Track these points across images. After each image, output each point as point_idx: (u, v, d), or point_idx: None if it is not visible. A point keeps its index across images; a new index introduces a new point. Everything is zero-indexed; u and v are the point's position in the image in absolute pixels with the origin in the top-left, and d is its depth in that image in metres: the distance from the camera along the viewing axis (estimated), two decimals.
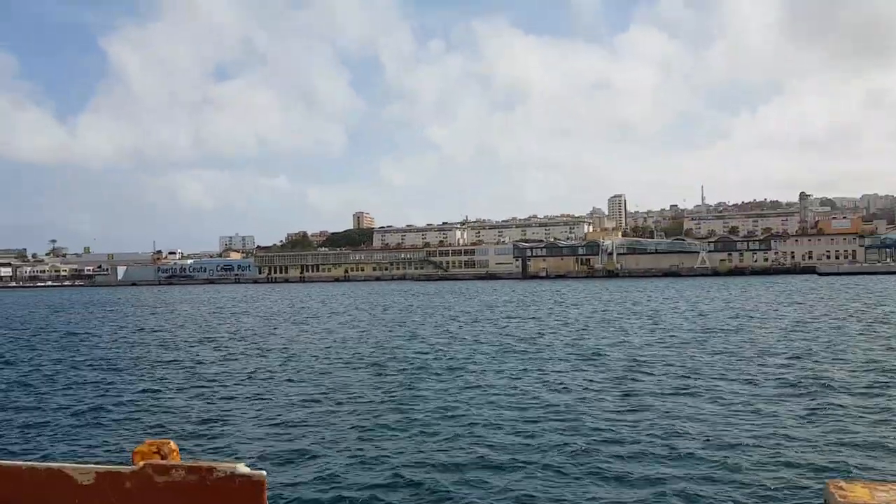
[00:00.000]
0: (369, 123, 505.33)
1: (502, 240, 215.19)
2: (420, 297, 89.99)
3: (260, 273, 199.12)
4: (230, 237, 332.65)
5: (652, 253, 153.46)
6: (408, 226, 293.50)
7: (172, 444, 2.64)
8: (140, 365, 29.26)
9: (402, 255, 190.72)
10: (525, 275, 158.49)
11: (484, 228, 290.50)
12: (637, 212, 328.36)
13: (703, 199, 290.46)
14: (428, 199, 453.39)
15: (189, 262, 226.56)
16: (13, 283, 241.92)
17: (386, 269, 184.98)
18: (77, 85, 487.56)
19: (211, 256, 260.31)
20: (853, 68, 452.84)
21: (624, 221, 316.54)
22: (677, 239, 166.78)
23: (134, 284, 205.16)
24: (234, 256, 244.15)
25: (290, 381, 23.84)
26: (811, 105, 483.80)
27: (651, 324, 42.14)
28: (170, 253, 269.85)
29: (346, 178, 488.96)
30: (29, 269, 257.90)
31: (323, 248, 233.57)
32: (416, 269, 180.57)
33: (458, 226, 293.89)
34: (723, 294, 74.71)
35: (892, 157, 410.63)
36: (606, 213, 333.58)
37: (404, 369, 25.63)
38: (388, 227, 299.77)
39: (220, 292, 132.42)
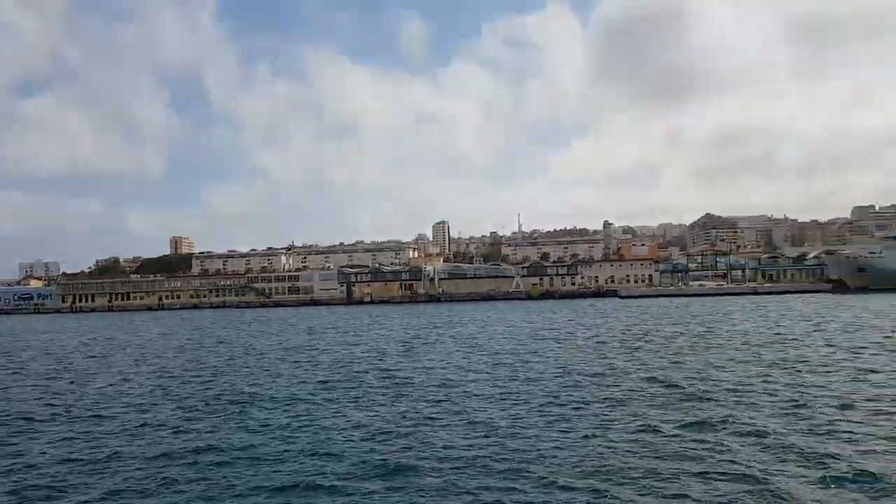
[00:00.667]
0: (192, 147, 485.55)
1: (328, 265, 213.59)
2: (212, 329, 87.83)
3: (63, 302, 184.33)
4: (31, 264, 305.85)
5: (471, 278, 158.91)
6: (230, 251, 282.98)
7: None
8: None
9: (222, 282, 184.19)
10: (350, 300, 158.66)
11: (310, 254, 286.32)
12: (460, 238, 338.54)
13: (519, 226, 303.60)
14: (255, 225, 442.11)
15: None
16: None
17: (204, 297, 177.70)
18: None
19: (9, 284, 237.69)
20: (654, 109, 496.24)
21: (448, 247, 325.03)
22: (494, 264, 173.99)
23: None
24: (35, 284, 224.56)
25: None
26: (617, 142, 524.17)
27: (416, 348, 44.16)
28: None
29: (166, 202, 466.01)
30: None
31: (135, 275, 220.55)
32: (237, 295, 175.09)
33: (284, 251, 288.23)
34: (503, 316, 79.23)
35: (686, 190, 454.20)
36: (431, 239, 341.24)
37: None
38: (207, 252, 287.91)
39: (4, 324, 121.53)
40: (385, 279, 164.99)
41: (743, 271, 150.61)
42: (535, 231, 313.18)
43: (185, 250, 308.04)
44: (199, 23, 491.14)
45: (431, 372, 33.05)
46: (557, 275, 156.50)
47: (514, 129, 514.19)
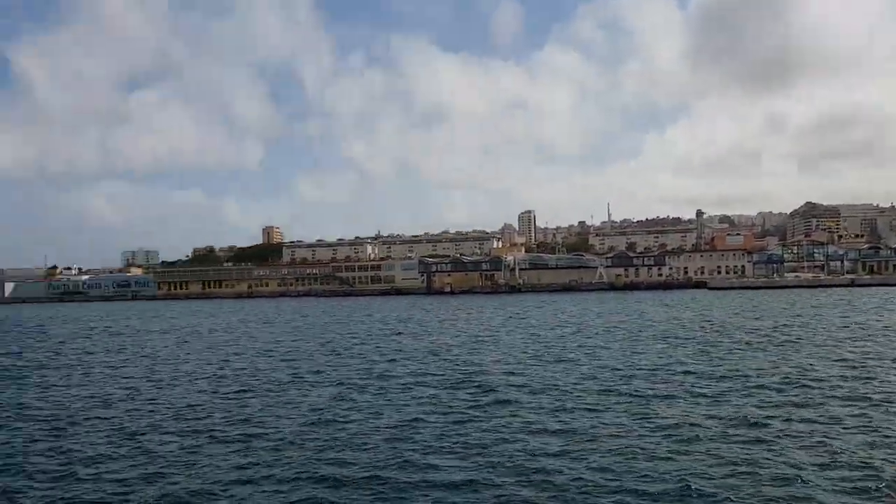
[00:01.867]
0: (287, 138, 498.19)
1: (411, 255, 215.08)
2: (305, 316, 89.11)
3: (159, 289, 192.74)
4: (133, 252, 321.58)
5: (553, 268, 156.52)
6: (318, 240, 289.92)
7: None
8: None
9: (308, 271, 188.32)
10: (430, 290, 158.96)
11: (395, 244, 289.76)
12: (546, 228, 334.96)
13: (608, 215, 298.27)
14: (344, 215, 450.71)
15: (84, 278, 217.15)
16: None
17: (291, 285, 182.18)
18: None
19: (112, 272, 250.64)
20: (755, 94, 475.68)
21: (533, 237, 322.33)
22: (577, 254, 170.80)
23: (23, 302, 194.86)
24: (136, 272, 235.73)
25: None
26: (715, 127, 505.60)
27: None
28: (66, 268, 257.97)
29: (261, 193, 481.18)
30: None
31: (228, 264, 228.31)
32: (321, 284, 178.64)
33: (369, 241, 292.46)
34: (597, 308, 76.90)
35: (787, 178, 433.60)
36: (517, 229, 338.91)
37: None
38: (297, 241, 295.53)
39: (98, 309, 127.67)
40: (465, 269, 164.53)
41: (842, 262, 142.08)
42: (624, 220, 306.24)
43: (276, 240, 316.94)
44: (296, 16, 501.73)
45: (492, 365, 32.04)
46: (644, 265, 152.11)
47: (606, 115, 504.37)
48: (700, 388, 24.09)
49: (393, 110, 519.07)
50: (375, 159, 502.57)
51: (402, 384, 26.84)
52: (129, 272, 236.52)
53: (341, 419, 20.56)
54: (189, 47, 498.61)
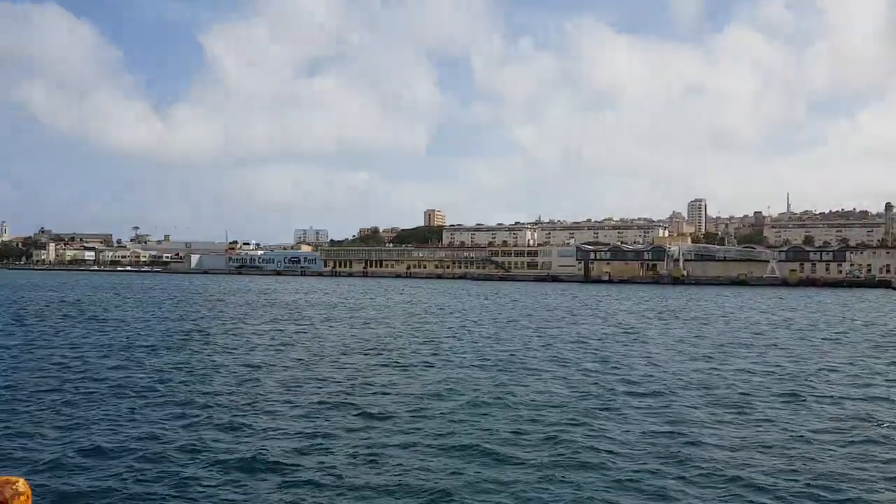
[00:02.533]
0: (454, 123, 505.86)
1: (571, 241, 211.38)
2: (456, 296, 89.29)
3: (325, 266, 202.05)
4: (304, 230, 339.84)
5: (720, 260, 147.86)
6: (477, 224, 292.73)
7: (21, 485, 2.27)
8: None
9: (465, 254, 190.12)
10: (587, 278, 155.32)
11: (555, 229, 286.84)
12: (718, 218, 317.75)
13: (788, 206, 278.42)
14: (507, 200, 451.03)
15: (259, 253, 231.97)
16: (95, 267, 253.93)
17: (447, 268, 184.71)
18: (174, 79, 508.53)
19: (284, 248, 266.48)
20: None
21: (704, 227, 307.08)
22: (747, 247, 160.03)
23: (206, 273, 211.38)
24: (305, 249, 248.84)
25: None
26: None
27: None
28: (244, 244, 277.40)
29: (427, 176, 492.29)
30: (111, 254, 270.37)
31: (390, 245, 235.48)
32: (477, 268, 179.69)
33: (529, 226, 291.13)
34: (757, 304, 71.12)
35: None
36: (686, 218, 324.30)
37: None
38: (457, 225, 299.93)
39: (277, 282, 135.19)
40: (625, 258, 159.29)
41: None
42: (805, 212, 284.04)
43: (437, 223, 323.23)
44: (468, 1, 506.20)
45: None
46: (821, 261, 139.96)
47: (790, 100, 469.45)
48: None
49: (562, 95, 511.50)
50: (542, 144, 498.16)
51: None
52: (299, 249, 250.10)
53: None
54: (365, 33, 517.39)
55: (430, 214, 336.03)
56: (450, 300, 78.36)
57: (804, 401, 20.31)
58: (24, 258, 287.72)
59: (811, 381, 24.06)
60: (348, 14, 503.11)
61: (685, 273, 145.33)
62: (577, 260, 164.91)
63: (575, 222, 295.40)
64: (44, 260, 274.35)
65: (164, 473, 13.04)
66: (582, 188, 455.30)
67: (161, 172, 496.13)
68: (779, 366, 27.72)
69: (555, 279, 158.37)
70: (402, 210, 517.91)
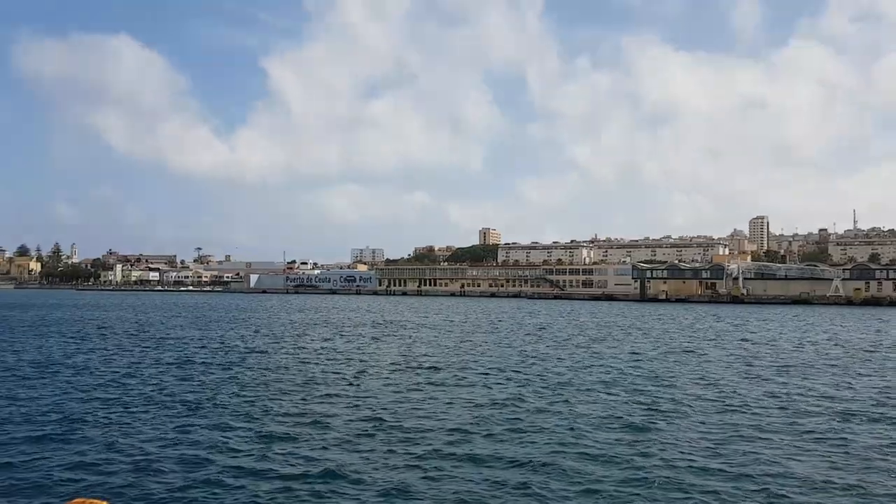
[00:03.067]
0: (510, 142, 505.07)
1: (627, 260, 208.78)
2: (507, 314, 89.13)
3: (379, 285, 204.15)
4: (361, 250, 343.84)
5: (781, 279, 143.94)
6: (533, 243, 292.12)
7: None
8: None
9: (519, 273, 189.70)
10: (643, 297, 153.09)
11: (611, 248, 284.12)
12: (781, 235, 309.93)
13: (854, 223, 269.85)
14: (563, 218, 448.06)
15: (315, 272, 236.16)
16: (159, 287, 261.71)
17: (501, 286, 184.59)
18: (239, 104, 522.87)
19: (341, 268, 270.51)
20: None
21: (765, 244, 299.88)
22: (809, 264, 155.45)
23: (264, 292, 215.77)
24: (361, 269, 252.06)
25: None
26: None
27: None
28: (302, 263, 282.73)
29: (483, 195, 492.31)
30: (174, 274, 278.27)
31: (445, 263, 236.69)
32: (532, 287, 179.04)
33: (585, 245, 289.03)
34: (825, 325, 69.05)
35: None
36: (748, 235, 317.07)
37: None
38: (512, 243, 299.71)
39: (328, 301, 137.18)
40: (683, 276, 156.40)
41: None
42: (872, 229, 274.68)
43: (492, 241, 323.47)
44: (525, 21, 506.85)
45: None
46: (888, 279, 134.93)
47: (857, 115, 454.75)
48: None
49: (619, 112, 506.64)
50: (598, 162, 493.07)
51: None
52: (355, 268, 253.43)
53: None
54: (423, 55, 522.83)
55: (485, 233, 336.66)
56: (489, 317, 78.41)
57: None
58: (92, 279, 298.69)
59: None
60: (406, 36, 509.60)
61: (744, 291, 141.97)
62: (633, 278, 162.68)
63: (632, 240, 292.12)
64: (111, 281, 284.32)
65: (244, 490, 13.49)
66: (639, 206, 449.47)
67: (224, 194, 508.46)
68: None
69: (610, 298, 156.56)
70: (457, 229, 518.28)
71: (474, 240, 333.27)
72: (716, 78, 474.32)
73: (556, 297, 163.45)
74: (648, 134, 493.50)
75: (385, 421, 19.35)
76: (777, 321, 75.76)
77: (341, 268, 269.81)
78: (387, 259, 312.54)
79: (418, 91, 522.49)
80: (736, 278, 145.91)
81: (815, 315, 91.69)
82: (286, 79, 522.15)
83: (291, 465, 15.00)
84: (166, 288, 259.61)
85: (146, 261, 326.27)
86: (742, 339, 50.24)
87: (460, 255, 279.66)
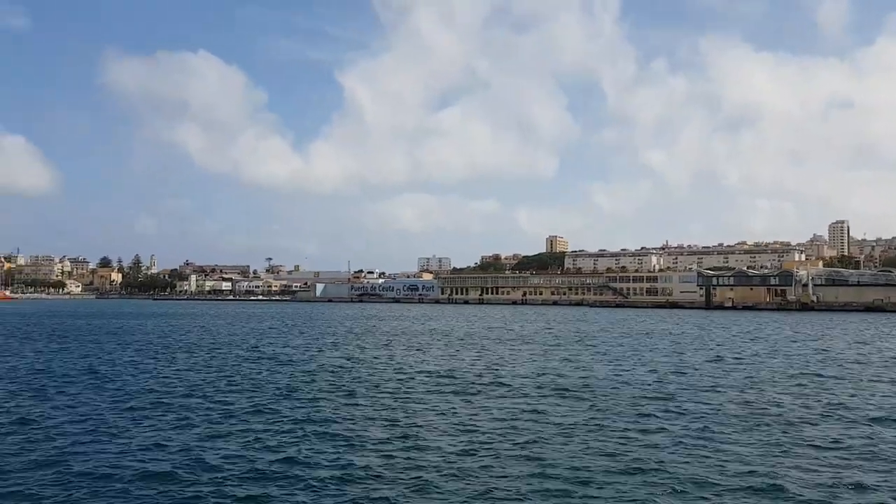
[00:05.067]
0: (583, 147, 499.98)
1: (695, 267, 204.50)
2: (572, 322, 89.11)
3: (442, 294, 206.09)
4: (427, 259, 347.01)
5: (853, 285, 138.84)
6: (600, 250, 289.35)
7: None
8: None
9: (581, 280, 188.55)
10: (709, 304, 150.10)
11: (682, 254, 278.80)
12: (864, 240, 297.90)
13: None
14: (635, 225, 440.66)
15: (380, 281, 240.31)
16: (231, 297, 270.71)
17: (563, 294, 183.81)
18: (313, 116, 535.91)
19: (408, 276, 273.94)
20: None
21: (847, 249, 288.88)
22: (883, 270, 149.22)
23: (330, 300, 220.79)
24: (426, 278, 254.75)
25: None
26: None
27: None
28: (368, 272, 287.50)
29: (552, 202, 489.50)
30: (246, 284, 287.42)
31: (508, 272, 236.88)
32: (594, 294, 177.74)
33: (655, 252, 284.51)
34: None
35: None
36: (827, 240, 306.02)
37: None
38: (580, 251, 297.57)
39: (389, 310, 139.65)
40: (750, 283, 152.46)
41: None
42: None
43: (559, 249, 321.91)
44: (600, 25, 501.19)
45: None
46: None
47: None
48: None
49: (696, 115, 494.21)
50: (673, 167, 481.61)
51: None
52: (421, 277, 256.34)
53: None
54: (494, 61, 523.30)
55: (551, 241, 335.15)
56: (537, 325, 78.74)
57: None
58: (168, 289, 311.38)
59: None
60: (477, 43, 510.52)
61: (814, 298, 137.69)
62: (698, 285, 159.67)
63: (704, 247, 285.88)
64: (186, 290, 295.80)
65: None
66: (715, 212, 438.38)
67: (297, 205, 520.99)
68: None
69: (674, 305, 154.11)
70: (525, 236, 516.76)
71: (541, 248, 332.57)
72: (799, 78, 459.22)
73: (618, 306, 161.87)
74: (727, 137, 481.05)
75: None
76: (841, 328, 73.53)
77: (408, 276, 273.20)
78: (453, 268, 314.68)
79: (488, 98, 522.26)
80: (805, 285, 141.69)
81: (887, 322, 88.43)
82: (359, 90, 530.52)
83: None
84: (238, 297, 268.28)
85: (220, 271, 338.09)
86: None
87: (526, 264, 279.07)
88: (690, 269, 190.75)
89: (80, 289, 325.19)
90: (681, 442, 17.48)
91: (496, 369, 33.39)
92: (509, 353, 43.05)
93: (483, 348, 46.33)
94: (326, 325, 78.72)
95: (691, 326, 77.46)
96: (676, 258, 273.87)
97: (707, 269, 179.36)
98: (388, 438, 17.86)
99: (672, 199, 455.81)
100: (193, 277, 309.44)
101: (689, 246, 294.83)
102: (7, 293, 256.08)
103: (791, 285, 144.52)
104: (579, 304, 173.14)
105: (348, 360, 38.16)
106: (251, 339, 54.09)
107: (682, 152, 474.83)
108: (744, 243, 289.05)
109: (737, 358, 39.77)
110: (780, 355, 41.57)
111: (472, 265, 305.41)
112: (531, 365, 35.65)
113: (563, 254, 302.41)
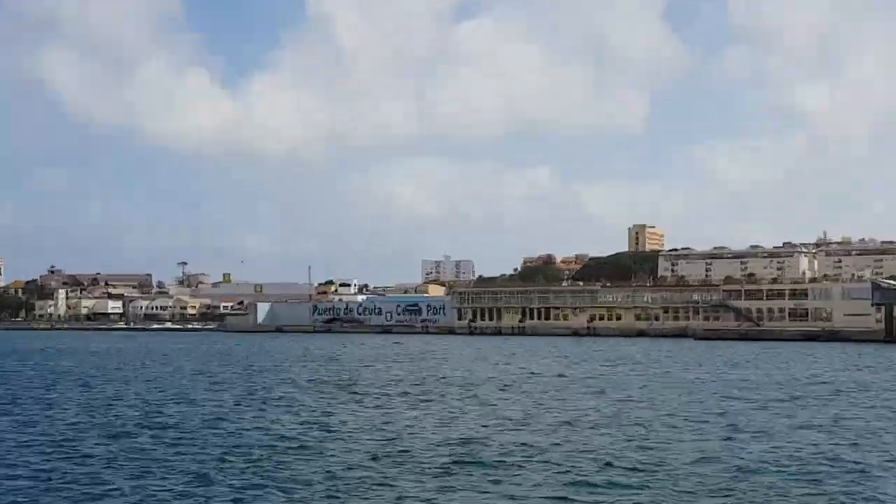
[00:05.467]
0: (690, 84, 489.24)
1: (866, 274, 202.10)
2: None
3: (458, 318, 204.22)
4: (437, 262, 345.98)
5: None
6: (716, 248, 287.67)
7: None
8: None
9: (684, 297, 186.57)
10: (890, 336, 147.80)
11: (849, 254, 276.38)
12: None
13: None
14: (774, 207, 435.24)
15: (359, 299, 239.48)
16: (122, 324, 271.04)
17: (655, 319, 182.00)
18: (256, 36, 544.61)
19: (405, 291, 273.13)
20: None
21: None
22: None
23: (279, 330, 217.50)
24: (434, 292, 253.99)
25: None
26: None
27: None
28: (341, 284, 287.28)
29: (642, 172, 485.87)
30: (145, 304, 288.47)
31: (567, 283, 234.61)
32: (703, 318, 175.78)
33: (805, 250, 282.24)
34: None
35: None
36: None
37: None
38: (683, 249, 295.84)
39: (371, 349, 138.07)
40: None
41: None
42: None
43: (650, 246, 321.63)
44: None
45: None
46: None
47: None
48: None
49: (879, 27, 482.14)
50: (841, 111, 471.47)
51: None
52: (424, 291, 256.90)
53: None
54: None
55: (638, 233, 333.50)
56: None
57: None
58: (23, 311, 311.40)
59: None
60: None
61: None
62: (874, 305, 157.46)
63: (886, 242, 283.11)
64: (50, 314, 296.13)
65: None
66: None
67: (229, 178, 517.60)
68: None
69: (833, 337, 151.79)
70: (596, 227, 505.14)
71: (621, 245, 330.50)
72: None
73: (741, 337, 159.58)
74: None
75: None
76: None
77: (405, 291, 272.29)
78: (478, 276, 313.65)
79: (536, 2, 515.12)
80: None
81: None
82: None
83: None
84: (133, 324, 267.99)
85: (106, 283, 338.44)
86: None
87: (597, 269, 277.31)
88: (862, 277, 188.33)
89: None
90: None
91: None
92: None
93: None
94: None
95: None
96: (840, 260, 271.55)
97: (891, 280, 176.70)
98: None
99: (837, 164, 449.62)
100: (62, 293, 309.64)
101: (863, 240, 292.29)
102: None
103: None
104: (680, 334, 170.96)
105: None
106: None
107: (857, 86, 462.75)
108: None
109: None
110: None
111: (509, 273, 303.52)
112: None
113: (655, 254, 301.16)
